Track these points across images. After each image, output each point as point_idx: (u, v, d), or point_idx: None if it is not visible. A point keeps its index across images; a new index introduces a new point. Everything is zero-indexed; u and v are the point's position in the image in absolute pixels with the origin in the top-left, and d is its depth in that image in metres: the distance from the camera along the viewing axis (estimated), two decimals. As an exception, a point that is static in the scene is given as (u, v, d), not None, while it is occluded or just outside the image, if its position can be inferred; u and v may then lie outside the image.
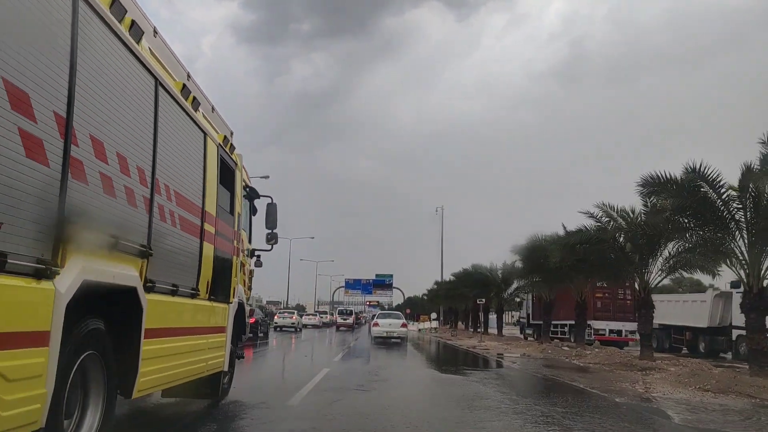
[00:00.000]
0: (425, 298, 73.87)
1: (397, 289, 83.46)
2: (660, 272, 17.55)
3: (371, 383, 10.62)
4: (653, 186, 14.55)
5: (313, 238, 79.37)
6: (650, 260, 17.42)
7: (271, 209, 8.96)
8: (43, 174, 2.99)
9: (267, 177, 32.83)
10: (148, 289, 4.38)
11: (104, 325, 3.82)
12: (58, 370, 3.15)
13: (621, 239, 18.35)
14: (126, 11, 3.94)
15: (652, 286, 17.74)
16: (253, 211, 9.27)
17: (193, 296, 5.57)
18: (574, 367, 15.23)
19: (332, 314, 65.47)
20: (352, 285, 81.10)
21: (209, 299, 6.14)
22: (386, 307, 69.94)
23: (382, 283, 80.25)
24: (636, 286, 18.14)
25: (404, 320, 30.11)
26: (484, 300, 35.01)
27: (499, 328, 37.78)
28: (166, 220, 4.78)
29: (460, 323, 54.51)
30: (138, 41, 4.19)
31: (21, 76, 2.80)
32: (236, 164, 7.43)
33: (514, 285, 34.02)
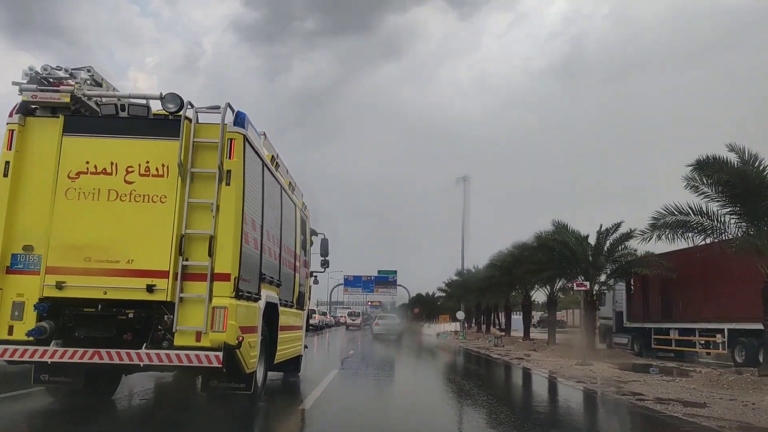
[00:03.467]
0: (443, 294, 58.84)
1: (402, 286, 75.90)
2: None
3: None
4: None
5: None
6: None
7: (324, 242, 12.53)
8: (256, 254, 6.51)
9: None
10: (280, 304, 7.89)
11: (265, 323, 7.32)
12: (259, 344, 6.66)
13: None
14: (275, 160, 7.48)
15: None
16: (310, 243, 12.81)
17: (290, 306, 9.10)
18: None
19: (325, 314, 59.04)
20: (351, 282, 74.28)
21: (296, 308, 9.66)
22: (388, 308, 69.53)
23: (386, 280, 73.84)
24: None
25: (399, 320, 39.85)
26: (587, 284, 18.56)
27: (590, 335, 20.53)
28: (283, 264, 8.29)
29: (492, 327, 39.79)
30: (276, 169, 7.72)
31: (252, 212, 6.31)
32: (306, 216, 10.96)
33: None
